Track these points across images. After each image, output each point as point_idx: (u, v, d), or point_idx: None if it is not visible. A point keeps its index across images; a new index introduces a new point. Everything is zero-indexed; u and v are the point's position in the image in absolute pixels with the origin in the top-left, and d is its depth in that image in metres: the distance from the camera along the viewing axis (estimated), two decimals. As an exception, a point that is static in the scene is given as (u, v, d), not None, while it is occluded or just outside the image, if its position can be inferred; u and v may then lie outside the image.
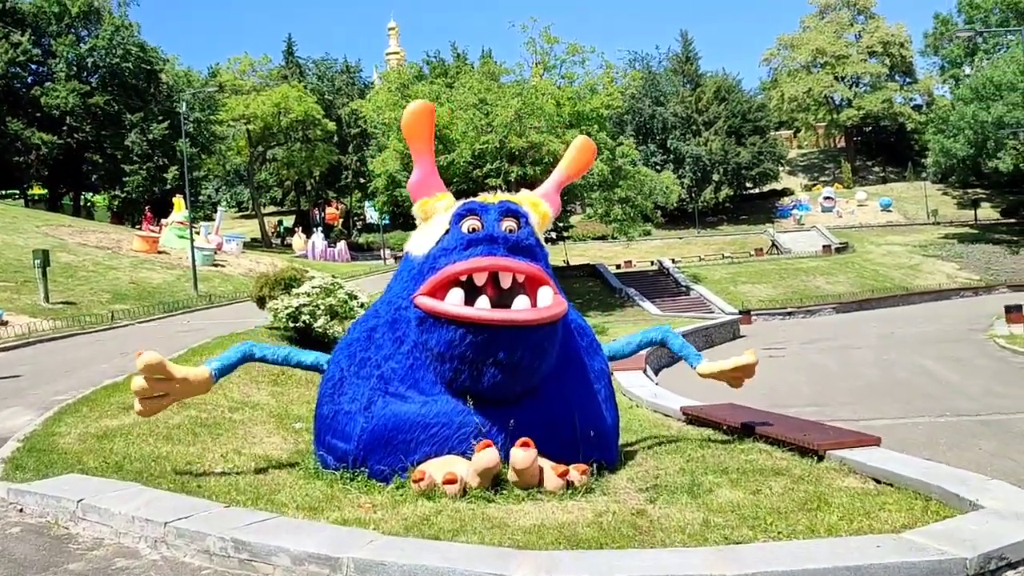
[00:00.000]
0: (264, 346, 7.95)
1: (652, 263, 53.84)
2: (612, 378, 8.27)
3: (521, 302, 7.04)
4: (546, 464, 7.05)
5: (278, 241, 70.46)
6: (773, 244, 62.42)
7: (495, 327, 6.85)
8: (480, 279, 7.20)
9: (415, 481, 6.72)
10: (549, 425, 7.34)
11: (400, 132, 40.40)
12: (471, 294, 7.10)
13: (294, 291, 20.91)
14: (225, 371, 7.61)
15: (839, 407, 14.20)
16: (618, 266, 53.21)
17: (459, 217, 7.42)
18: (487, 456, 6.65)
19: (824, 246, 57.87)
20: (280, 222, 77.15)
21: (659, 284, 47.41)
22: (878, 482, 6.96)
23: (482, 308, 6.92)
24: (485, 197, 7.76)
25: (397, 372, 7.29)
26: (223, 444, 8.67)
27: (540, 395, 7.37)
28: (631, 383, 13.38)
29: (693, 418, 10.09)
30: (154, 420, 9.11)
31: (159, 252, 40.68)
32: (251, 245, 60.15)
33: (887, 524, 5.75)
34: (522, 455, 6.79)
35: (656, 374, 19.48)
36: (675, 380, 17.73)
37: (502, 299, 7.26)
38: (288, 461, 8.12)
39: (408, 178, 8.21)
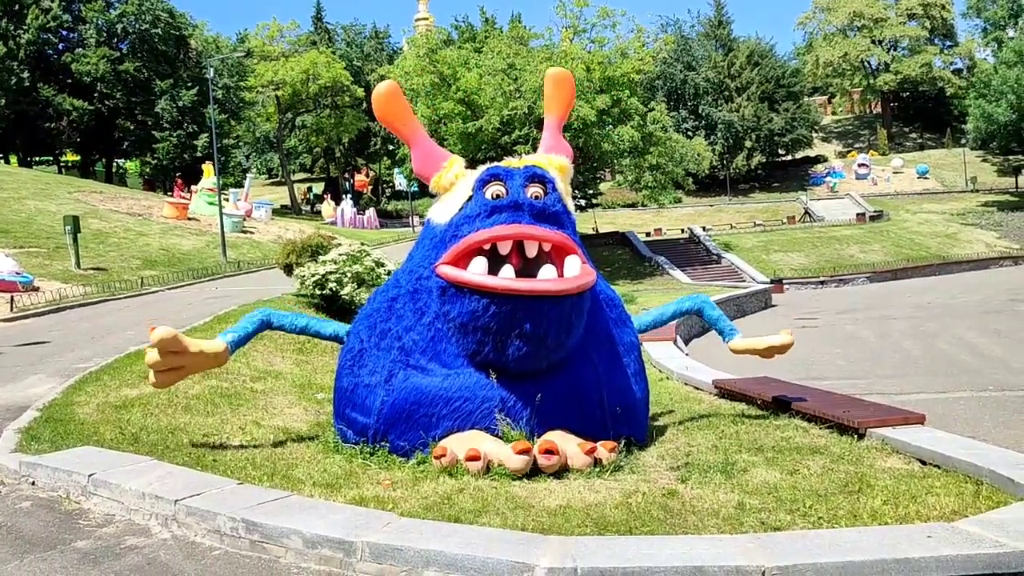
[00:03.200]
0: (282, 314, 7.69)
1: (682, 231, 53.12)
2: (642, 350, 7.93)
3: (547, 272, 6.72)
4: (572, 441, 6.76)
5: (307, 208, 70.48)
6: (806, 212, 61.32)
7: (520, 297, 6.55)
8: (504, 248, 6.89)
9: (436, 457, 6.47)
10: (576, 400, 7.05)
11: (427, 98, 39.95)
12: (495, 263, 6.79)
13: (321, 258, 20.75)
14: (241, 342, 7.38)
15: (877, 381, 13.76)
16: (648, 234, 52.55)
17: (482, 183, 7.09)
18: (516, 462, 6.36)
19: (858, 214, 56.72)
20: (310, 189, 77.17)
21: (690, 252, 46.78)
22: (923, 463, 6.60)
23: (506, 277, 6.61)
24: (510, 162, 7.42)
25: (418, 344, 7.02)
26: (242, 415, 8.48)
27: (567, 369, 7.07)
28: (661, 354, 13.04)
29: (726, 392, 9.75)
30: (173, 390, 8.94)
31: (189, 219, 40.79)
32: (281, 212, 60.23)
33: (936, 510, 5.40)
34: (545, 464, 6.50)
35: (686, 344, 19.11)
36: (706, 351, 17.35)
37: (527, 269, 6.95)
38: (308, 434, 7.91)
39: (436, 143, 7.89)
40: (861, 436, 7.31)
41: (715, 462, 6.83)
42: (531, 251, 6.95)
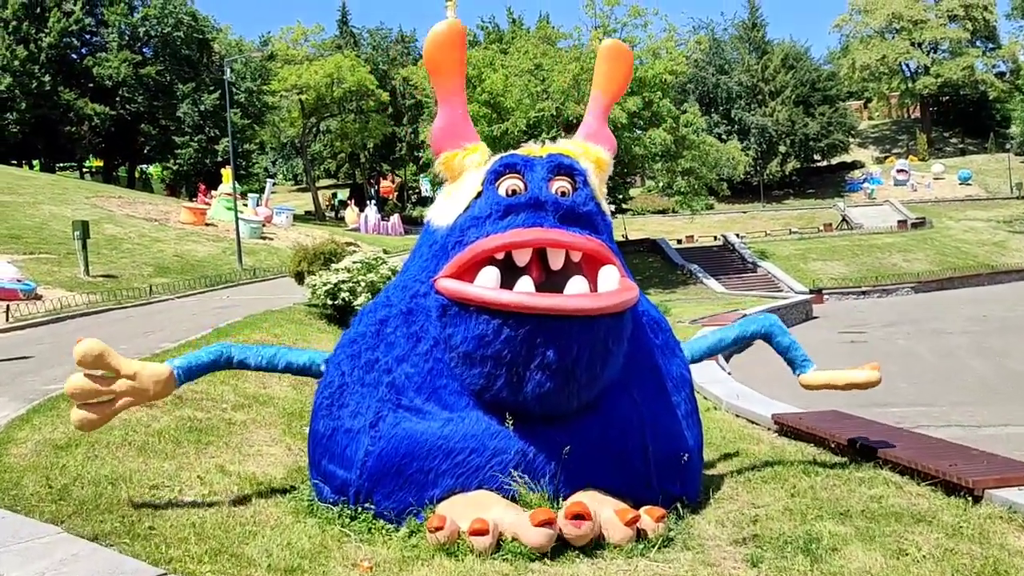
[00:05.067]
0: (245, 347, 6.24)
1: (715, 238, 51.27)
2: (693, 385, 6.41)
3: (577, 285, 5.23)
4: (608, 505, 5.26)
5: (332, 214, 69.50)
6: (844, 219, 59.19)
7: (542, 318, 5.07)
8: (522, 257, 5.42)
9: (432, 530, 4.99)
10: (613, 451, 5.55)
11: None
12: (510, 276, 5.32)
13: (334, 266, 19.48)
14: (193, 373, 5.95)
15: (951, 408, 12.10)
16: (679, 241, 50.75)
17: (495, 175, 5.63)
18: (535, 537, 4.88)
19: (900, 221, 54.55)
20: (335, 195, 76.21)
21: (724, 260, 44.98)
22: (1072, 543, 5.02)
23: (524, 292, 5.14)
24: (530, 149, 5.93)
25: (413, 379, 5.55)
26: (207, 458, 7.05)
27: (601, 410, 5.58)
28: (705, 377, 11.44)
29: (789, 430, 8.17)
30: (130, 422, 7.55)
31: (207, 224, 39.76)
32: (304, 218, 59.22)
33: None
34: (574, 534, 5.01)
35: (727, 361, 17.49)
36: (749, 369, 15.72)
37: (552, 283, 5.49)
38: (282, 484, 6.46)
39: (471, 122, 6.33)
40: (976, 499, 5.73)
41: (792, 534, 5.29)
42: (556, 262, 5.48)
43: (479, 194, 5.63)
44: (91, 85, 52.51)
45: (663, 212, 63.87)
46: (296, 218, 52.00)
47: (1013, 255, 48.28)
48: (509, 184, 5.57)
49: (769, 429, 8.63)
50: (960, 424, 11.03)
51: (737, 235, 50.76)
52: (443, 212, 5.84)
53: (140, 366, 5.63)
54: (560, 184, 5.60)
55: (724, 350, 6.88)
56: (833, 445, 7.34)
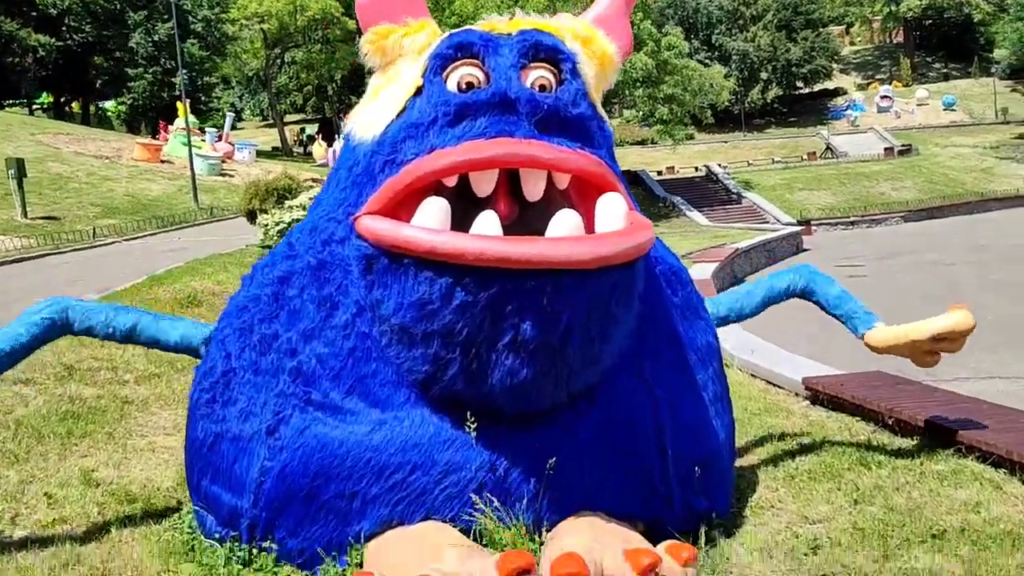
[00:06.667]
0: (93, 308, 4.39)
1: (697, 169, 49.52)
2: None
3: (566, 222, 3.51)
4: (613, 541, 3.61)
5: (300, 150, 66.89)
6: (828, 147, 57.51)
7: (514, 274, 3.36)
8: (484, 184, 3.66)
9: (353, 593, 3.32)
10: (619, 459, 3.90)
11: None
12: (466, 213, 3.58)
13: (288, 203, 17.59)
14: (15, 356, 4.16)
15: (983, 356, 10.58)
16: (660, 172, 48.91)
17: (442, 61, 3.82)
18: None
19: (886, 148, 52.92)
20: (302, 129, 73.36)
21: (707, 191, 43.36)
22: None
23: (487, 235, 3.41)
24: (493, 25, 4.08)
25: (328, 363, 3.82)
26: (76, 458, 5.34)
27: (601, 403, 3.91)
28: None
29: (827, 399, 6.56)
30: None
31: (162, 161, 37.42)
32: (272, 154, 56.62)
33: None
34: None
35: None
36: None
37: (527, 222, 3.77)
38: (164, 501, 4.74)
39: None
40: (1117, 508, 4.15)
41: (874, 571, 3.69)
42: (534, 189, 3.74)
43: (419, 90, 3.83)
44: (34, 14, 49.12)
45: (642, 143, 61.79)
46: (263, 154, 49.56)
47: (1001, 181, 46.96)
48: (463, 74, 3.78)
49: (798, 396, 7.03)
50: (1004, 376, 9.54)
51: (720, 165, 49.02)
52: (368, 119, 4.03)
53: None
54: (538, 74, 3.81)
55: (755, 312, 5.19)
56: (891, 421, 5.74)
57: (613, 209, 3.63)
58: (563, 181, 3.77)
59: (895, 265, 23.04)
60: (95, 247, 23.11)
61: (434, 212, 3.49)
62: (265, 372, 3.87)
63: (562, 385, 3.70)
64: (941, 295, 16.49)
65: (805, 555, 3.99)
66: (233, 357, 3.96)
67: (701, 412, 4.26)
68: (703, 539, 3.91)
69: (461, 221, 3.54)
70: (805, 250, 29.74)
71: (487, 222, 3.45)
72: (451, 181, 3.65)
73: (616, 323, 3.68)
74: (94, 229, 24.55)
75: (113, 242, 24.03)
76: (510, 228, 3.65)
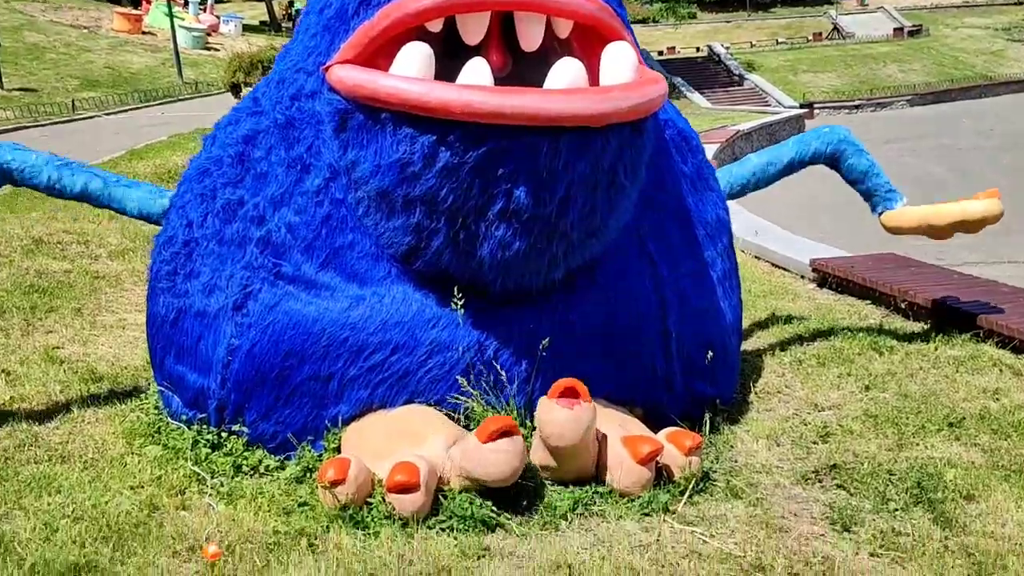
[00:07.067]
0: (41, 163, 3.86)
1: (699, 49, 47.90)
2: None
3: (567, 72, 3.07)
4: (613, 431, 3.34)
5: (289, 25, 64.52)
6: (835, 28, 55.59)
7: (507, 131, 2.95)
8: (473, 28, 3.19)
9: (328, 484, 3.04)
10: (619, 341, 3.59)
11: None
12: (452, 62, 3.14)
13: (273, 76, 16.86)
14: None
15: (994, 240, 10.21)
16: (660, 53, 47.31)
17: None
18: (495, 464, 2.96)
19: (896, 29, 51.13)
20: (291, 3, 70.57)
21: (708, 73, 42.01)
22: None
23: (476, 85, 2.98)
24: None
25: (299, 233, 3.45)
26: (41, 335, 5.02)
27: (601, 281, 3.57)
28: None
29: (836, 281, 6.23)
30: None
31: (144, 32, 35.96)
32: (259, 29, 54.54)
33: None
34: (563, 417, 3.07)
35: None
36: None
37: (520, 73, 3.32)
38: (132, 380, 4.43)
39: None
40: None
41: (892, 466, 3.44)
42: (530, 37, 3.26)
43: (398, -83, 3.32)
44: None
45: (643, 22, 59.67)
46: (250, 28, 47.66)
47: (1011, 65, 45.55)
48: (449, -101, 3.25)
49: (804, 278, 6.71)
50: (1014, 260, 9.24)
51: (723, 46, 47.41)
52: (340, -47, 3.52)
53: None
54: (536, -100, 3.29)
55: (771, 180, 4.80)
56: (904, 305, 5.44)
57: (621, 59, 3.19)
58: (564, 29, 3.30)
59: (902, 149, 22.42)
60: (75, 120, 22.35)
61: (415, 59, 3.04)
62: (230, 242, 3.50)
63: (559, 260, 3.34)
64: (951, 180, 16.08)
65: (814, 443, 3.74)
66: (195, 225, 3.58)
67: (708, 292, 3.92)
68: (707, 426, 3.64)
69: (447, 73, 3.10)
70: (807, 133, 29.05)
71: (476, 70, 3.01)
72: (436, 25, 3.18)
73: (621, 192, 3.29)
74: (73, 102, 23.69)
75: (93, 116, 23.22)
76: (502, 82, 3.22)
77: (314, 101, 3.43)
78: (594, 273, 3.57)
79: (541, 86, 3.09)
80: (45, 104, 23.28)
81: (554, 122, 2.94)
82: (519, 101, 2.90)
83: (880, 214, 4.69)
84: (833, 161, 4.70)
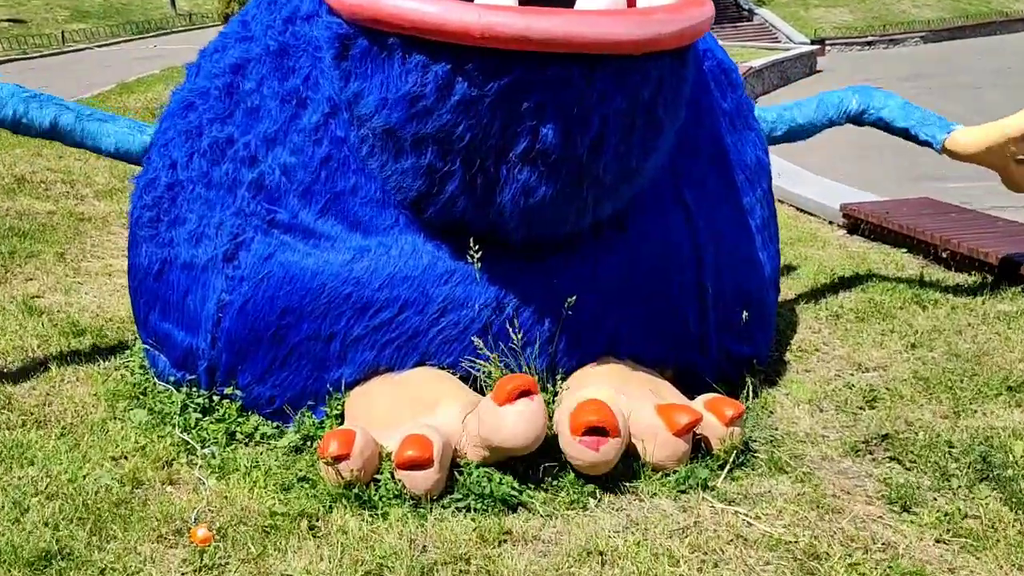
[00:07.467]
0: (4, 89, 3.49)
1: (707, -18, 46.68)
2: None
3: (597, -5, 2.69)
4: (645, 399, 3.01)
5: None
6: (847, -39, 54.12)
7: (533, 59, 2.56)
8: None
9: (332, 459, 2.72)
10: (650, 296, 3.25)
11: None
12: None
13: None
14: None
15: (1021, 182, 9.82)
16: (668, -15, 46.12)
17: None
18: (512, 430, 2.65)
19: (909, -37, 49.72)
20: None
21: (717, 7, 40.64)
22: None
23: (500, 5, 2.58)
24: None
25: (295, 175, 3.08)
26: (19, 282, 4.69)
27: (632, 231, 3.22)
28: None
29: (869, 228, 5.86)
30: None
31: (136, -38, 34.84)
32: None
33: None
34: (590, 460, 2.76)
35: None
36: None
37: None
38: (116, 336, 4.11)
39: None
40: None
41: (949, 436, 3.13)
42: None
43: None
44: None
45: (650, -47, 58.18)
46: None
47: (1028, 1, 44.45)
48: None
49: (832, 224, 6.34)
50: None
51: (732, -22, 46.15)
52: None
53: None
54: None
55: (816, 131, 4.40)
56: (945, 254, 5.08)
57: (662, -22, 2.78)
58: (594, -56, 2.88)
59: (918, 88, 21.71)
60: (65, 52, 21.72)
61: (426, -23, 2.63)
62: (219, 185, 3.13)
63: (588, 208, 2.98)
64: (970, 120, 15.55)
65: (860, 408, 3.43)
66: (179, 167, 3.21)
67: (746, 242, 3.57)
68: (749, 391, 3.32)
69: (463, -9, 2.70)
70: (819, 71, 28.26)
71: (497, -10, 2.61)
72: (449, -62, 2.76)
73: (659, 130, 2.91)
74: (63, 34, 23.02)
75: (84, 48, 22.58)
76: (529, 2, 2.81)
77: (311, 25, 3.03)
78: (624, 222, 3.21)
79: (572, 7, 2.69)
80: (34, 35, 22.61)
81: (588, 49, 2.55)
82: (548, 24, 2.51)
83: (943, 142, 4.30)
84: (865, 114, 4.40)
